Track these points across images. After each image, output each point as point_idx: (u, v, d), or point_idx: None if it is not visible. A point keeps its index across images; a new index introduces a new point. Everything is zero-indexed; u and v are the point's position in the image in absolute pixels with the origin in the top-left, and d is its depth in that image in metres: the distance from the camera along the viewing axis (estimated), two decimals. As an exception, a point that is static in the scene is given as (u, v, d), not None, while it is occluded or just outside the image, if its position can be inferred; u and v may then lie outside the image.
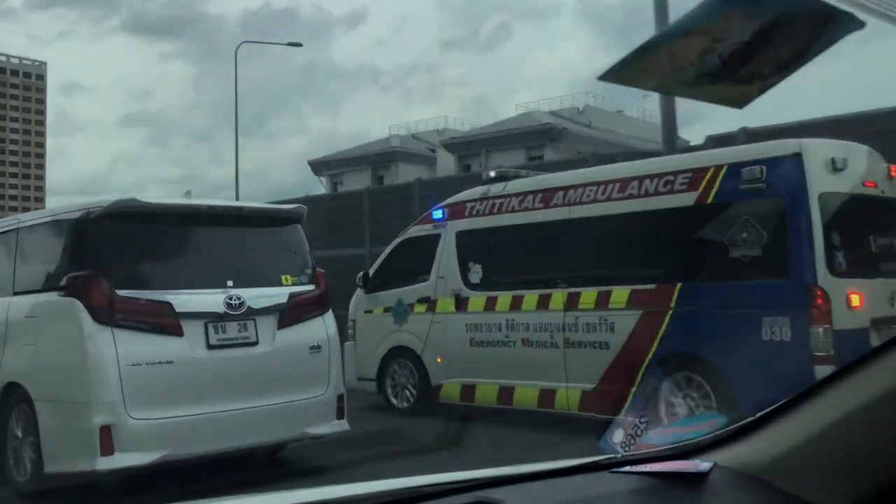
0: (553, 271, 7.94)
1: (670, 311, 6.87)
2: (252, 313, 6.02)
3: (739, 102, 1.35)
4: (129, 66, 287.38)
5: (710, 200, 6.86)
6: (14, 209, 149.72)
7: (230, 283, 6.03)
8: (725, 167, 6.84)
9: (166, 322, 5.68)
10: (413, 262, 9.26)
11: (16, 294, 6.30)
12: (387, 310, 9.34)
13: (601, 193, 7.61)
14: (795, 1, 1.19)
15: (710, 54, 1.22)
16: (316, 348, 6.38)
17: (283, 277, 6.44)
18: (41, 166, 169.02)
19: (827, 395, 1.50)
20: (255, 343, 6.06)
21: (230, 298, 5.92)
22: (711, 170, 6.93)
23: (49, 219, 6.40)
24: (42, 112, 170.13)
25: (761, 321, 6.37)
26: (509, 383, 7.99)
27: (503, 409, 8.00)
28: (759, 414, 1.61)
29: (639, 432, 2.14)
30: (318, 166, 41.98)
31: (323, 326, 6.50)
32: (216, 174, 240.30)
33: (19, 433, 5.90)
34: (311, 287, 6.52)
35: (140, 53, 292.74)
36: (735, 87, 1.32)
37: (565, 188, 7.95)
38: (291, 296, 6.32)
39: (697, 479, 1.59)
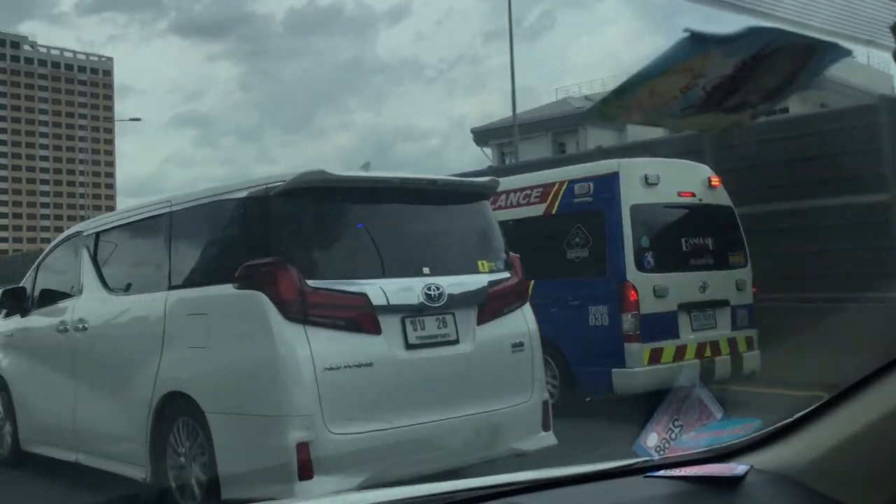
0: None
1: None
2: (451, 306, 5.16)
3: (730, 130, 1.60)
4: (178, 68, 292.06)
5: (553, 211, 8.50)
6: (84, 207, 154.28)
7: (426, 269, 5.19)
8: (566, 183, 8.41)
9: (363, 317, 4.83)
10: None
11: (172, 288, 5.48)
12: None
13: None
14: (770, 37, 1.23)
15: (693, 88, 1.30)
16: (518, 346, 5.55)
17: (479, 263, 5.58)
18: (111, 163, 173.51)
19: (866, 397, 1.52)
20: (456, 341, 5.19)
21: (428, 288, 5.06)
22: (556, 185, 8.50)
23: (212, 199, 5.48)
24: (110, 108, 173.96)
25: (588, 310, 8.01)
26: None
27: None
28: (796, 416, 1.63)
29: (673, 436, 2.15)
30: (482, 135, 38.42)
31: (523, 320, 5.65)
32: (264, 173, 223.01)
33: (185, 453, 5.08)
34: (507, 274, 5.63)
35: (188, 55, 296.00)
36: (724, 116, 1.41)
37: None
38: (490, 284, 5.45)
39: (733, 482, 1.60)
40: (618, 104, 1.34)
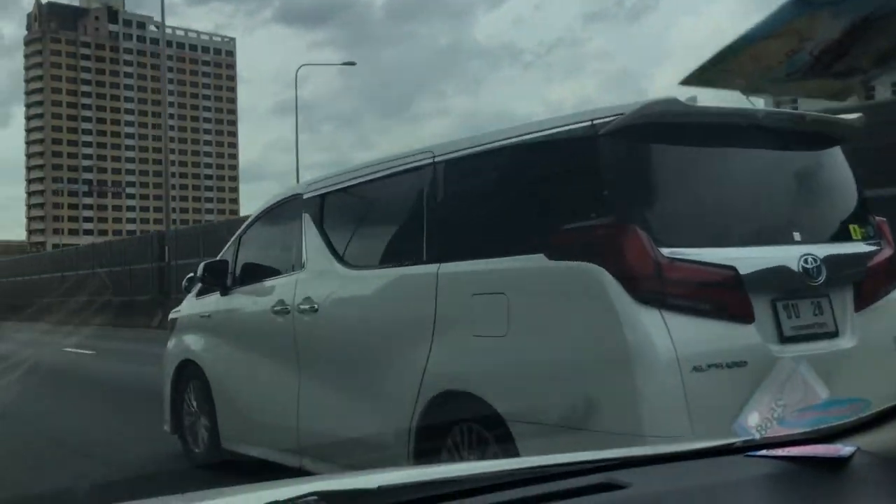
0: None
1: None
2: (828, 285, 3.94)
3: (840, 97, 1.47)
4: (282, 56, 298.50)
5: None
6: (210, 189, 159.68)
7: (797, 235, 3.98)
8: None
9: (733, 299, 3.66)
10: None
11: (443, 260, 4.37)
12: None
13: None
14: (879, 1, 1.21)
15: (799, 52, 1.28)
16: None
17: (851, 228, 4.30)
18: (234, 145, 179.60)
19: None
20: (835, 333, 3.95)
21: (806, 261, 3.86)
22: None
23: (503, 143, 4.29)
24: (233, 90, 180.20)
25: None
26: None
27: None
28: None
29: (775, 416, 2.45)
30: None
31: None
32: (362, 157, 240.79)
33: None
34: (878, 243, 4.36)
35: (291, 43, 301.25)
36: (832, 82, 1.38)
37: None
38: (866, 256, 4.20)
39: (839, 464, 1.60)
40: (719, 69, 1.33)
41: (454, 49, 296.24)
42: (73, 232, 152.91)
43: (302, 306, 5.28)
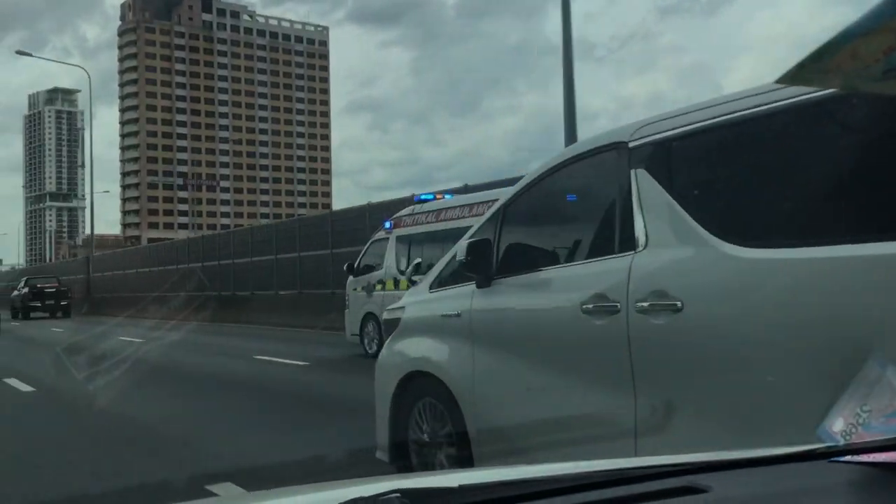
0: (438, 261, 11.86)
1: None
2: None
3: None
4: (354, 55, 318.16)
5: None
6: (302, 182, 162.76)
7: None
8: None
9: None
10: (374, 257, 15.20)
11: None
12: (363, 288, 15.24)
13: (455, 214, 13.30)
14: None
15: None
16: None
17: None
18: (327, 136, 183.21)
19: None
20: None
21: None
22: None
23: None
24: (326, 80, 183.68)
25: None
26: None
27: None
28: None
29: (861, 421, 2.15)
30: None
31: None
32: (432, 155, 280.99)
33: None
34: None
35: (363, 42, 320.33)
36: None
37: (438, 210, 13.87)
38: None
39: None
40: (816, 67, 1.36)
41: (525, 46, 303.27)
42: (168, 226, 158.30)
43: (643, 303, 3.72)
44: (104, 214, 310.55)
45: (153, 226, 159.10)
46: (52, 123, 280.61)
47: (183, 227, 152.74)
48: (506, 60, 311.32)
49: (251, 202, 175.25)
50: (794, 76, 1.37)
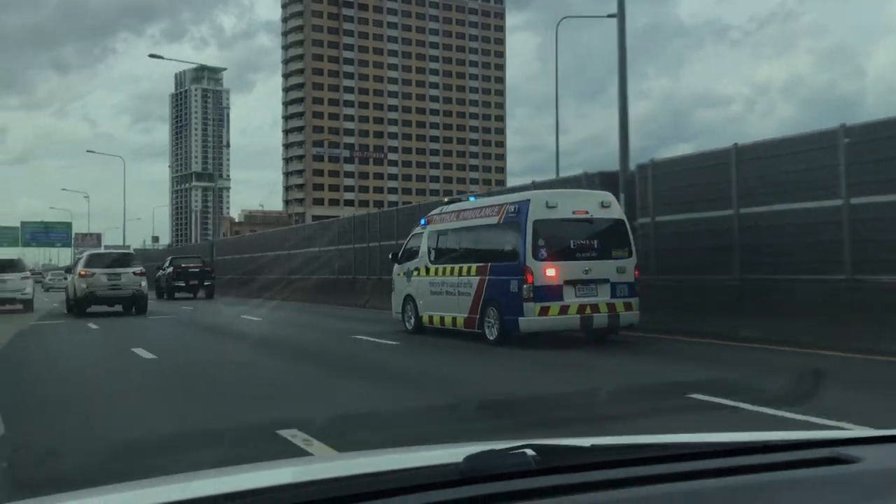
0: (455, 254, 18.54)
1: (487, 277, 16.92)
2: None
3: None
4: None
5: (500, 221, 16.95)
6: (475, 156, 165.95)
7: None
8: (507, 205, 16.91)
9: None
10: (412, 248, 20.38)
11: None
12: (405, 274, 20.40)
13: (469, 215, 18.36)
14: None
15: None
16: None
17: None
18: (501, 105, 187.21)
19: None
20: None
21: None
22: (504, 206, 17.04)
23: None
24: (502, 41, 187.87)
25: (510, 281, 16.09)
26: (440, 313, 18.61)
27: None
28: None
29: None
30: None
31: None
32: (554, 141, 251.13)
33: None
34: None
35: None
36: None
37: (458, 211, 18.97)
38: None
39: None
40: None
41: (655, 29, 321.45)
42: (333, 202, 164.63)
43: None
44: (256, 194, 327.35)
45: (318, 202, 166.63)
46: (199, 102, 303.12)
47: (349, 203, 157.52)
48: (634, 44, 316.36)
49: (420, 177, 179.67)
50: None
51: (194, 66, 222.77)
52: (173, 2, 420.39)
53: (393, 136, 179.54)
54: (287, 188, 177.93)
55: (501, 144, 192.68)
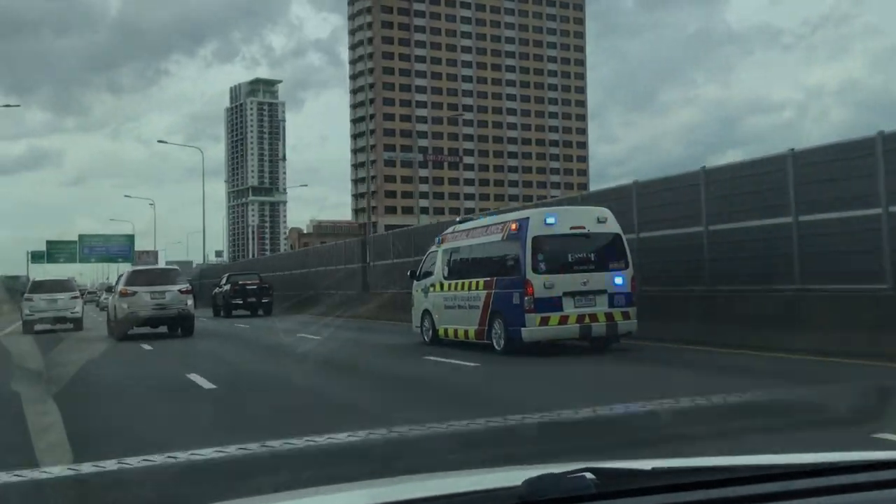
0: (465, 270, 20.87)
1: (493, 290, 19.12)
2: None
3: None
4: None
5: (504, 238, 19.27)
6: (555, 158, 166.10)
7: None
8: (511, 222, 19.28)
9: None
10: (429, 266, 22.87)
11: None
12: (422, 290, 22.87)
13: (477, 233, 20.88)
14: None
15: None
16: None
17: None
18: (583, 104, 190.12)
19: None
20: None
21: None
22: (508, 223, 19.36)
23: None
24: (581, 35, 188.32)
25: (513, 294, 18.37)
26: (454, 326, 20.90)
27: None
28: None
29: None
30: None
31: None
32: (602, 151, 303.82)
33: None
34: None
35: None
36: None
37: (469, 230, 21.49)
38: None
39: None
40: None
41: (704, 35, 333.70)
42: (406, 210, 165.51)
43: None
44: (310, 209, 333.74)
45: (390, 210, 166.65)
46: (255, 115, 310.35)
47: (424, 210, 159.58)
48: (683, 51, 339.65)
49: (498, 182, 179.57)
50: None
51: (250, 80, 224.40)
52: (224, 22, 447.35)
53: (468, 137, 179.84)
54: (356, 196, 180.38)
55: (583, 146, 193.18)
